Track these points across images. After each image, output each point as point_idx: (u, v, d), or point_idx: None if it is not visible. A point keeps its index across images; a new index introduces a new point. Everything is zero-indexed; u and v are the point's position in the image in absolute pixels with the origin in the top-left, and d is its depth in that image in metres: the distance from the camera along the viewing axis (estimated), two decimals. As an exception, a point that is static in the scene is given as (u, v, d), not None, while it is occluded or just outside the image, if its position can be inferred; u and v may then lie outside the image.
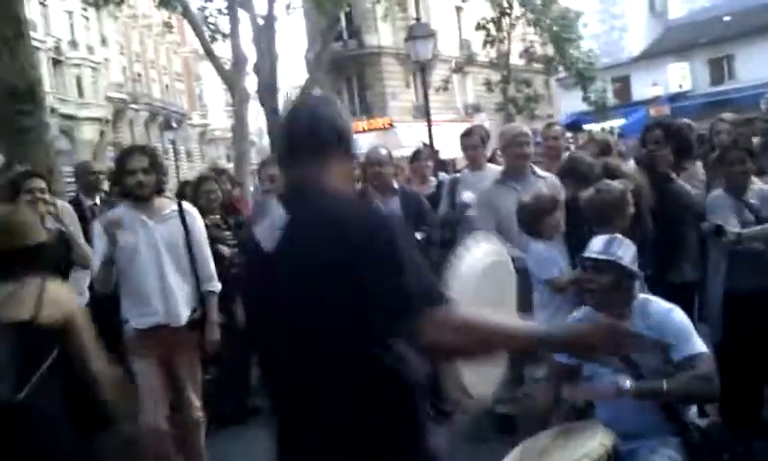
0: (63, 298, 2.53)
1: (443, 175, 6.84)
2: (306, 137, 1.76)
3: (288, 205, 1.70)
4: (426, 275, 1.58)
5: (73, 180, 6.05)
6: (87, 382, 2.49)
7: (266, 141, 18.49)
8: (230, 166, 16.65)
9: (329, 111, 1.81)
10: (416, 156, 6.37)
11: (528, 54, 27.50)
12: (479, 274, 1.85)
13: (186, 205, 4.10)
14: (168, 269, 3.79)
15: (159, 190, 3.92)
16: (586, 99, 26.94)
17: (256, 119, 21.63)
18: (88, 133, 34.84)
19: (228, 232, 5.17)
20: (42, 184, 4.17)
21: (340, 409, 1.62)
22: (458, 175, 5.88)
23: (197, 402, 3.94)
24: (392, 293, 1.52)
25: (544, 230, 3.82)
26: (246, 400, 5.25)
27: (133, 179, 3.76)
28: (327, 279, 1.56)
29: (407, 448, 1.72)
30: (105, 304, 3.99)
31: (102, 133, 35.72)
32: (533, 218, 3.85)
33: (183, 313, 3.84)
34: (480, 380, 1.73)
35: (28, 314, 2.36)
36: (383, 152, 5.17)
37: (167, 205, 3.97)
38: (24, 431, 2.30)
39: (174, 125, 36.58)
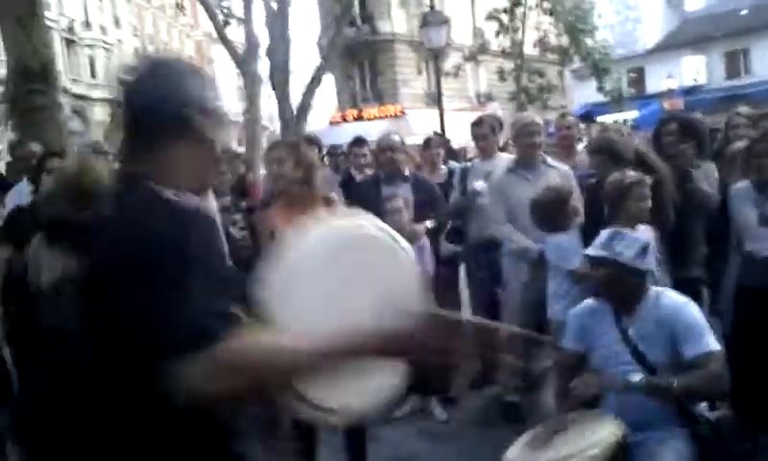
0: None
1: (453, 163, 6.82)
2: (138, 116, 1.40)
3: (111, 201, 1.39)
4: (201, 304, 1.20)
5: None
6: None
7: (277, 126, 18.47)
8: (242, 150, 16.67)
9: (173, 81, 1.41)
10: (427, 143, 6.34)
11: (543, 44, 27.31)
12: (318, 262, 1.47)
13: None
14: None
15: None
16: (600, 90, 26.75)
17: (268, 104, 21.62)
18: (100, 113, 34.94)
19: (238, 215, 5.17)
20: (61, 163, 4.19)
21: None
22: (469, 164, 5.86)
23: None
24: (145, 327, 1.19)
25: (563, 221, 3.83)
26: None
27: None
28: (91, 291, 1.29)
29: None
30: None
31: (113, 115, 35.77)
32: (551, 211, 3.85)
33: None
34: (339, 391, 1.40)
35: None
36: (395, 138, 5.16)
37: None
38: None
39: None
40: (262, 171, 6.74)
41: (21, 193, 4.84)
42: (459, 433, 4.61)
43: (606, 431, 2.46)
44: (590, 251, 2.88)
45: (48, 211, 2.55)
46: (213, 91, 1.49)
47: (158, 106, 1.38)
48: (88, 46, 36.70)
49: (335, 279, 1.45)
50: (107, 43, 38.05)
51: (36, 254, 2.60)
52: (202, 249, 1.26)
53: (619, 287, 2.80)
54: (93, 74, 36.57)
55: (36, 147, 4.94)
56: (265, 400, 1.37)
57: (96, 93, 35.57)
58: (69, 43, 34.47)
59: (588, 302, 3.00)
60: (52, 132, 5.68)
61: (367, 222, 1.57)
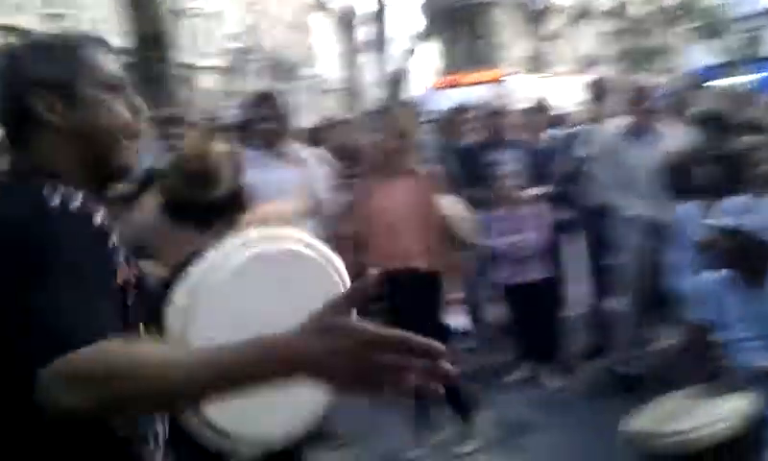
0: None
1: (556, 129, 6.72)
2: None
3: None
4: (69, 305, 1.02)
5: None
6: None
7: (378, 92, 18.60)
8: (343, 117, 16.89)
9: (17, 63, 1.25)
10: (529, 109, 6.28)
11: (652, 3, 26.05)
12: (228, 278, 1.32)
13: (313, 150, 4.27)
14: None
15: (285, 135, 4.11)
16: (717, 51, 25.26)
17: (369, 70, 21.77)
18: (206, 82, 36.16)
19: (347, 180, 5.31)
20: (181, 131, 4.41)
21: None
22: (575, 129, 5.77)
23: None
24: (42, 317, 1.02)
25: (689, 188, 3.74)
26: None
27: (261, 125, 3.97)
28: None
29: None
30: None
31: (219, 83, 37.00)
32: (678, 176, 3.77)
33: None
34: (250, 414, 1.15)
35: None
36: (499, 103, 5.15)
37: (292, 149, 4.13)
38: None
39: (287, 76, 37.35)
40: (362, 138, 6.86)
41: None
42: (571, 403, 4.57)
43: (736, 404, 2.41)
44: (717, 220, 2.82)
45: (167, 189, 2.49)
46: (72, 65, 1.24)
47: (4, 93, 1.24)
48: (194, 16, 37.90)
49: (248, 297, 1.31)
50: (210, 13, 39.17)
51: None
52: (75, 252, 1.08)
53: (747, 258, 2.73)
54: (198, 43, 37.82)
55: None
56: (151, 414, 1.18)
57: (201, 62, 36.82)
58: (175, 13, 35.72)
59: (714, 273, 2.93)
60: (165, 100, 5.99)
61: (293, 236, 1.42)
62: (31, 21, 24.85)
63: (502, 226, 4.77)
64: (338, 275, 1.41)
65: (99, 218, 1.16)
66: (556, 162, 5.24)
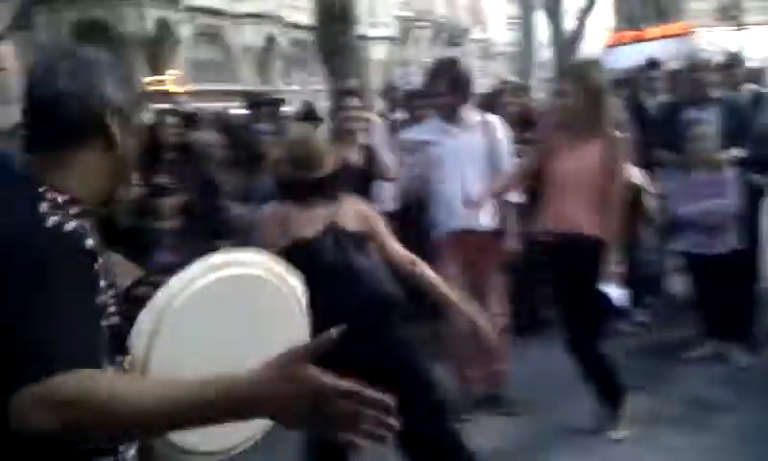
0: (361, 213, 2.77)
1: (754, 85, 6.13)
2: (41, 117, 1.24)
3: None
4: (52, 332, 1.03)
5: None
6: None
7: (551, 54, 17.96)
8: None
9: (83, 78, 1.23)
10: (723, 64, 5.78)
11: None
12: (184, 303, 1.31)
13: (490, 116, 4.25)
14: (470, 177, 3.98)
15: (466, 103, 4.11)
16: None
17: (541, 31, 21.05)
18: (379, 52, 36.89)
19: (522, 146, 5.23)
20: (358, 102, 4.52)
21: None
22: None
23: (498, 308, 4.12)
24: (23, 339, 1.04)
25: None
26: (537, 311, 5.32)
27: (442, 94, 4.02)
28: None
29: None
30: (410, 212, 4.35)
31: (390, 53, 37.61)
32: None
33: (485, 220, 4.04)
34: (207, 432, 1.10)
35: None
36: (703, 57, 4.81)
37: (472, 116, 4.13)
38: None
39: (457, 41, 37.14)
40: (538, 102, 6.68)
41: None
42: (759, 381, 4.32)
43: None
44: None
45: (277, 171, 2.88)
46: (129, 89, 1.30)
47: (60, 102, 1.22)
48: (367, -13, 38.65)
49: (211, 320, 1.34)
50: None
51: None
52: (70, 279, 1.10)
53: None
54: (371, 13, 38.55)
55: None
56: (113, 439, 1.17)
57: (373, 32, 37.56)
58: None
59: None
60: (352, 70, 6.20)
61: (259, 262, 1.45)
62: (219, 1, 26.59)
63: (696, 191, 4.44)
64: (298, 304, 1.50)
65: (90, 242, 1.17)
66: (755, 122, 4.80)
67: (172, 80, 23.98)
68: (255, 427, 1.35)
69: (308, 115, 5.66)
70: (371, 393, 1.00)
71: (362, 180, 4.08)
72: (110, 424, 1.01)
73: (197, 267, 1.36)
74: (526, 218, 4.33)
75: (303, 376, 1.00)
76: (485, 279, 4.11)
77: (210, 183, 4.54)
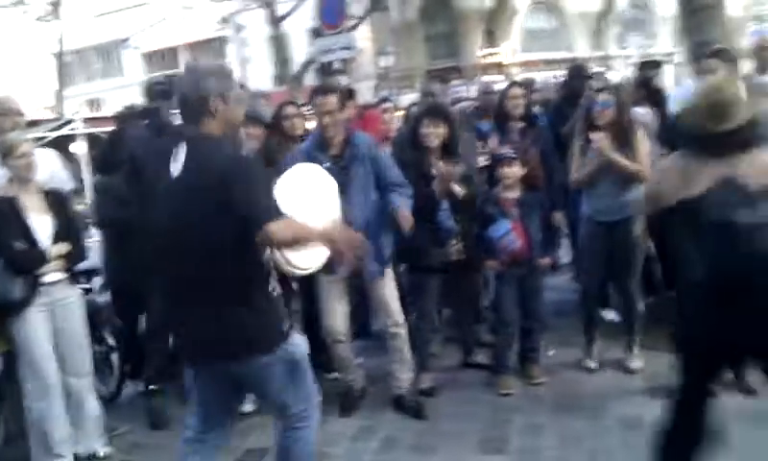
0: None
1: None
2: (185, 102, 2.45)
3: (186, 148, 2.42)
4: (269, 199, 2.36)
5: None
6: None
7: None
8: None
9: (201, 82, 2.42)
10: None
11: None
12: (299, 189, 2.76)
13: None
14: None
15: None
16: None
17: None
18: (734, 8, 33.17)
19: None
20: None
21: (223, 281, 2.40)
22: None
23: None
24: (248, 207, 2.30)
25: None
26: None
27: None
28: (204, 196, 2.32)
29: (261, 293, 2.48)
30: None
31: (746, 9, 33.52)
32: None
33: None
34: (303, 258, 2.53)
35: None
36: None
37: None
38: None
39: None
40: None
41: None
42: None
43: None
44: None
45: (689, 122, 2.65)
46: (228, 83, 2.48)
47: (198, 95, 2.43)
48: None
49: (306, 195, 2.75)
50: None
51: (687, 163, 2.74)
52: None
53: None
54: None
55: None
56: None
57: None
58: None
59: None
60: (717, 28, 5.72)
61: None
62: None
63: None
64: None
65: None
66: None
67: (506, 51, 24.54)
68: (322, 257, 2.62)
69: (645, 82, 5.29)
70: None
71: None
72: (305, 237, 2.42)
73: (296, 168, 3.04)
74: None
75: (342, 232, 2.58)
76: None
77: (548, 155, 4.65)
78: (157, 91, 4.31)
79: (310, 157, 3.61)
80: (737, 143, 2.54)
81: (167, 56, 33.25)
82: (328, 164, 3.54)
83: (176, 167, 2.39)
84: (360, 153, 3.76)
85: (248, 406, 3.91)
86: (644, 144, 4.03)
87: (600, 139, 3.97)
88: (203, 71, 2.43)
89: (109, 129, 5.87)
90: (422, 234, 3.87)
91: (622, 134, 3.99)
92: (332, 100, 3.74)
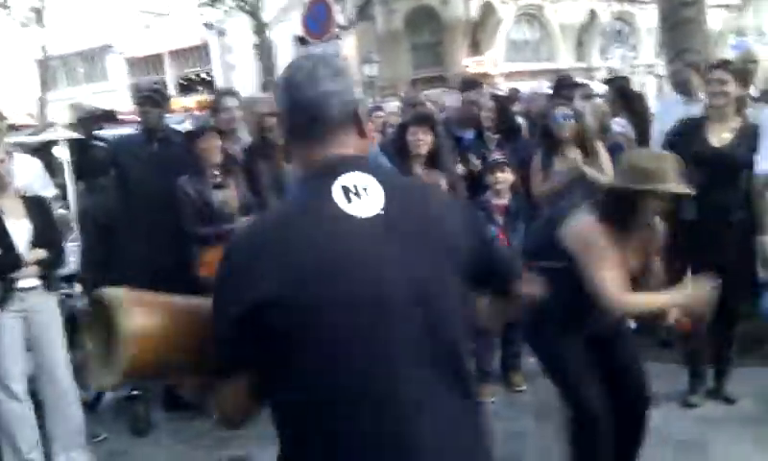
0: None
1: None
2: (304, 112, 1.47)
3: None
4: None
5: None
6: None
7: None
8: None
9: (341, 81, 1.47)
10: None
11: None
12: None
13: None
14: None
15: None
16: None
17: None
18: (714, 20, 33.61)
19: None
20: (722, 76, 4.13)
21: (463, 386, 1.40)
22: None
23: None
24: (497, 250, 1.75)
25: None
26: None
27: None
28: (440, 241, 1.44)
29: None
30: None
31: (726, 21, 33.96)
32: None
33: None
34: None
35: None
36: None
37: None
38: None
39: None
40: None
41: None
42: None
43: None
44: None
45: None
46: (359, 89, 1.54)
47: (324, 100, 1.45)
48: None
49: None
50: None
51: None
52: None
53: None
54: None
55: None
56: None
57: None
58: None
59: None
60: (698, 40, 5.78)
61: None
62: None
63: None
64: None
65: None
66: None
67: (489, 61, 24.66)
68: None
69: (622, 92, 5.34)
70: None
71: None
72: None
73: None
74: None
75: None
76: None
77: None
78: (145, 97, 4.26)
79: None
80: None
81: (151, 61, 33.12)
82: None
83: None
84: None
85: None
86: (606, 154, 4.12)
87: (574, 154, 4.04)
88: (334, 68, 1.49)
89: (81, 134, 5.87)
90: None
91: (584, 147, 4.08)
92: None
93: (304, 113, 1.44)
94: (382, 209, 1.38)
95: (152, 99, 4.25)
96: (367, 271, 1.32)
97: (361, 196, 1.38)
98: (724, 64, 3.80)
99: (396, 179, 1.64)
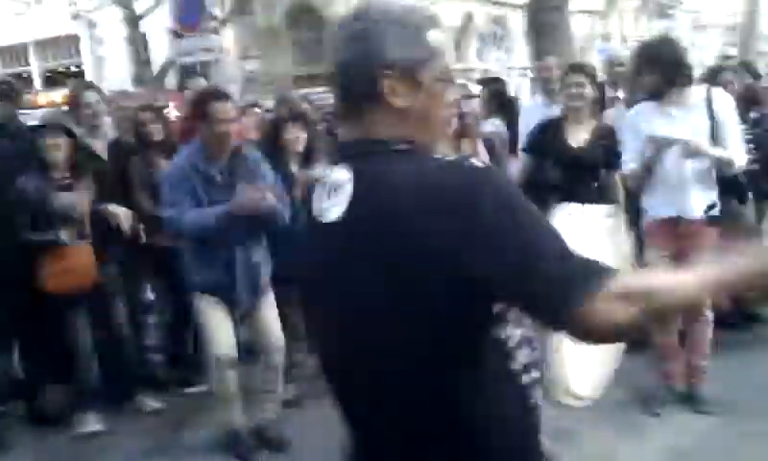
0: None
1: None
2: (335, 82, 1.30)
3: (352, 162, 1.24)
4: (562, 241, 1.10)
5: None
6: None
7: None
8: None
9: (358, 46, 1.25)
10: None
11: None
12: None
13: (716, 90, 3.88)
14: (687, 160, 3.71)
15: (678, 82, 3.76)
16: None
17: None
18: (579, 26, 35.32)
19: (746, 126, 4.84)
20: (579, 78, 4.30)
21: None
22: None
23: None
24: (537, 277, 1.06)
25: None
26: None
27: (648, 75, 3.73)
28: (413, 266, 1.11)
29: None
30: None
31: (592, 27, 35.87)
32: None
33: (698, 207, 3.78)
34: (587, 381, 1.52)
35: None
36: None
37: (694, 93, 3.78)
38: None
39: (668, 12, 34.65)
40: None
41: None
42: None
43: None
44: None
45: None
46: (415, 47, 1.25)
47: (341, 70, 1.28)
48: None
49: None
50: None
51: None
52: None
53: None
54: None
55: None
56: None
57: (574, 5, 36.04)
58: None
59: None
60: (563, 46, 6.08)
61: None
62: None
63: None
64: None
65: None
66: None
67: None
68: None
69: (495, 93, 5.55)
70: None
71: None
72: (663, 308, 1.13)
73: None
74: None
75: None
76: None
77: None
78: (1, 91, 4.06)
79: (194, 170, 3.40)
80: None
81: (14, 52, 30.96)
82: (219, 178, 3.42)
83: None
84: (249, 167, 3.55)
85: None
86: (484, 154, 4.26)
87: (456, 151, 4.13)
88: (375, 18, 1.26)
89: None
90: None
91: (464, 144, 4.21)
92: (230, 107, 3.50)
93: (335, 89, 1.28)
94: (343, 214, 1.17)
95: (7, 94, 4.03)
96: (322, 300, 1.26)
97: (330, 195, 1.21)
98: (580, 68, 3.99)
99: (382, 163, 1.20)
